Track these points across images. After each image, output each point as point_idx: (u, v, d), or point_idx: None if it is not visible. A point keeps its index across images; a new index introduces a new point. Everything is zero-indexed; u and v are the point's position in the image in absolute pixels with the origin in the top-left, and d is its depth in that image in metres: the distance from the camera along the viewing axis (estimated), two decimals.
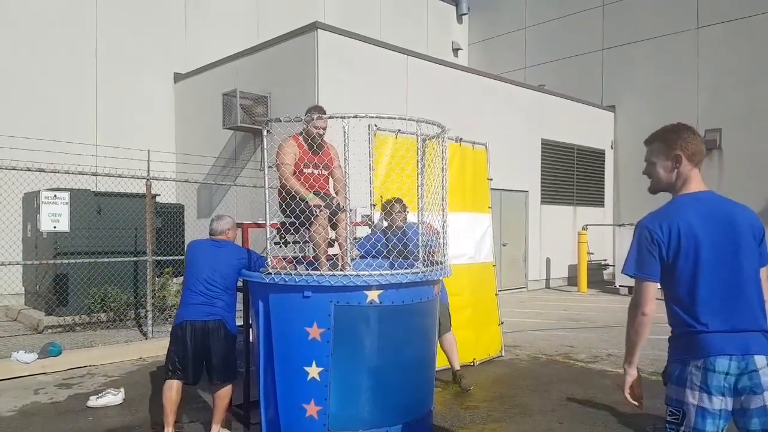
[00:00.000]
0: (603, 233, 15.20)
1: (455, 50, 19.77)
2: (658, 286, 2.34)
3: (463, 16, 20.13)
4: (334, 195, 4.59)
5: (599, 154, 15.75)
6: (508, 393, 5.50)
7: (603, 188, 15.89)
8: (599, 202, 15.81)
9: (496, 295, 7.04)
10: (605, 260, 15.29)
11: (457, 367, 5.68)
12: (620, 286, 12.72)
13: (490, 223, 7.05)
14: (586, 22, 16.65)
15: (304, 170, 4.40)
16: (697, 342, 2.22)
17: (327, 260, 4.34)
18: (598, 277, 14.83)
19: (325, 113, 4.39)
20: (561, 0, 17.36)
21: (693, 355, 2.23)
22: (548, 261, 14.20)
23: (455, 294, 6.15)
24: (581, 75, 16.57)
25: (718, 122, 13.95)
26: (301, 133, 4.48)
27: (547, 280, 14.26)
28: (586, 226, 14.10)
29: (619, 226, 13.68)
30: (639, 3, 15.59)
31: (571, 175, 14.93)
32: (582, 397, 5.36)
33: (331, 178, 4.71)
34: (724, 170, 13.93)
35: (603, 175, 15.89)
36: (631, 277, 2.36)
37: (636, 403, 2.43)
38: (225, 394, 4.25)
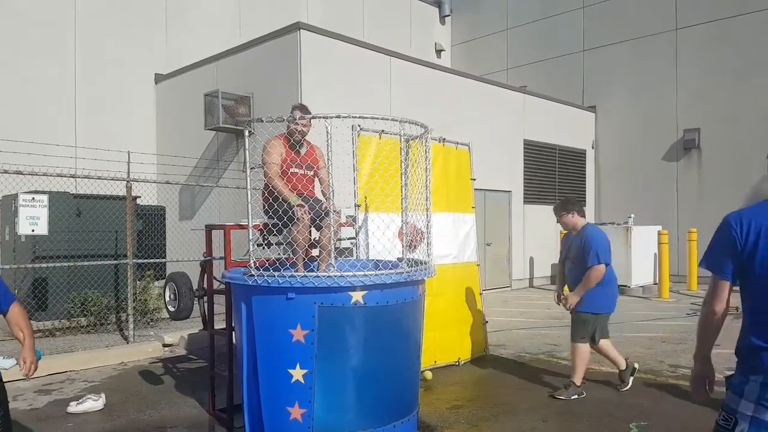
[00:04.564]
0: None
1: (438, 51, 19.83)
2: (735, 287, 2.26)
3: (445, 18, 20.20)
4: (321, 198, 4.57)
5: (580, 154, 15.89)
6: (492, 392, 5.52)
7: (584, 188, 16.04)
8: (581, 201, 15.93)
9: (480, 294, 7.06)
10: None
11: (571, 378, 5.29)
12: None
13: (473, 223, 7.08)
14: (567, 24, 16.81)
15: (290, 171, 4.38)
16: (759, 358, 2.14)
17: (310, 261, 4.31)
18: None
19: (308, 111, 4.37)
20: (542, 2, 17.51)
21: (753, 371, 2.15)
22: (531, 260, 14.30)
23: (439, 294, 6.16)
24: (563, 76, 16.72)
25: (697, 122, 14.17)
26: (288, 132, 4.45)
27: (531, 279, 14.36)
28: None
29: (601, 225, 13.79)
30: (619, 5, 15.77)
31: (553, 175, 15.05)
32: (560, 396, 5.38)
33: (316, 180, 4.69)
34: (703, 169, 14.15)
35: (584, 174, 16.04)
36: (705, 269, 2.32)
37: (701, 396, 2.41)
38: None
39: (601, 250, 5.10)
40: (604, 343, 5.40)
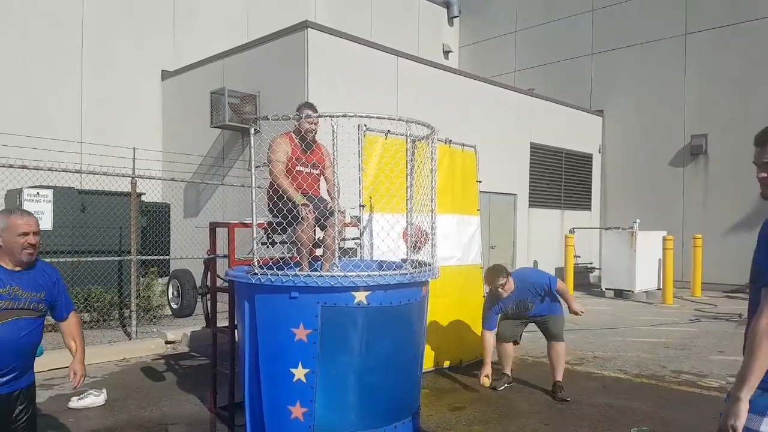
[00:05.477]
0: (590, 237, 15.29)
1: (446, 53, 19.81)
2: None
3: (454, 19, 20.18)
4: (326, 197, 4.56)
5: (587, 158, 15.84)
6: (494, 394, 5.49)
7: (590, 192, 15.99)
8: (586, 205, 15.91)
9: (483, 297, 7.02)
10: (591, 263, 15.38)
11: (559, 378, 5.45)
12: (606, 289, 12.79)
13: (478, 225, 7.05)
14: (576, 27, 16.76)
15: (295, 169, 4.37)
16: None
17: (314, 261, 4.30)
18: (584, 280, 14.91)
19: (315, 110, 4.36)
20: (551, 5, 17.47)
21: None
22: (535, 264, 14.24)
23: (443, 296, 6.14)
24: (570, 79, 16.67)
25: (705, 127, 14.10)
26: (294, 131, 4.44)
27: None
28: (573, 229, 14.17)
29: (606, 229, 13.77)
30: (628, 8, 15.72)
31: (559, 178, 15.00)
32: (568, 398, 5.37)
33: (322, 179, 4.68)
34: (710, 175, 14.08)
35: (590, 179, 15.99)
36: None
37: None
38: None
39: (548, 274, 5.67)
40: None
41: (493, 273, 5.38)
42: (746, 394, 1.94)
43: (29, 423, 2.99)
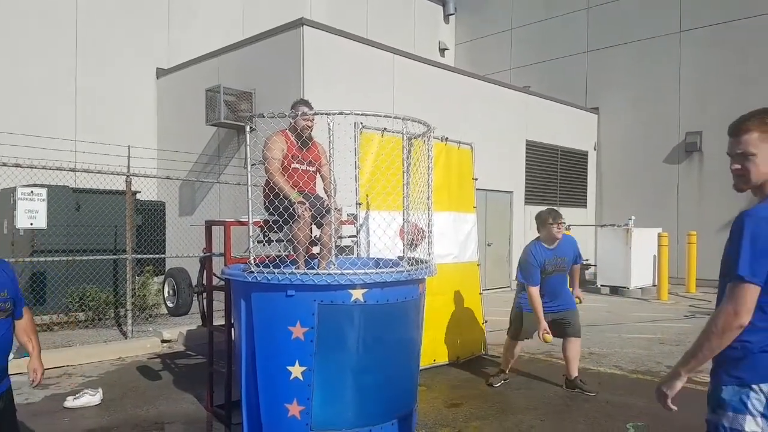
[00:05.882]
0: (585, 233, 15.32)
1: (442, 50, 19.79)
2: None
3: (450, 17, 20.17)
4: (323, 196, 4.55)
5: (582, 156, 15.87)
6: (490, 391, 5.51)
7: (586, 189, 16.03)
8: (582, 202, 15.94)
9: (480, 294, 7.04)
10: (587, 260, 15.39)
11: (577, 374, 5.51)
12: (602, 285, 12.82)
13: (474, 222, 7.06)
14: (571, 25, 16.78)
15: (291, 167, 4.36)
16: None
17: (311, 258, 4.29)
18: (580, 277, 14.93)
19: (311, 107, 4.35)
20: (547, 2, 17.48)
21: (760, 377, 1.97)
22: None
23: (439, 293, 6.15)
24: (566, 77, 16.69)
25: (699, 125, 14.15)
26: (290, 128, 4.43)
27: None
28: (569, 226, 14.17)
29: (601, 226, 13.80)
30: (623, 7, 15.75)
31: (554, 176, 15.03)
32: (563, 394, 5.39)
33: (318, 177, 4.67)
34: (704, 173, 14.13)
35: (586, 176, 16.02)
36: (743, 280, 1.94)
37: (675, 408, 2.23)
38: None
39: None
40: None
41: (555, 211, 5.48)
42: (686, 374, 2.12)
43: (12, 427, 2.92)
